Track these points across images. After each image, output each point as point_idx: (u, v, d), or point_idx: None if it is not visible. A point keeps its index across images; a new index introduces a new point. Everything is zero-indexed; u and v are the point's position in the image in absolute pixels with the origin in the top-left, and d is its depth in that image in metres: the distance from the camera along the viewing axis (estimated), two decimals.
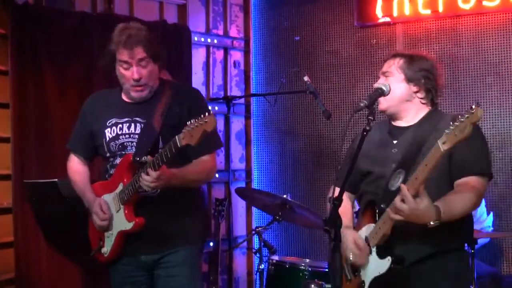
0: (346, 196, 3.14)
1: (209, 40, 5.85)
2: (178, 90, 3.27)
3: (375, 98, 2.87)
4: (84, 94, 4.77)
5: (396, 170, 2.87)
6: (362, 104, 2.81)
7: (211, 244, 5.29)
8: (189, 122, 2.82)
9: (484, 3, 5.18)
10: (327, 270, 4.15)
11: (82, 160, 3.41)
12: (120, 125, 3.21)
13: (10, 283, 4.39)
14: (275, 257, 4.51)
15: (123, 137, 3.19)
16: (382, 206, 2.82)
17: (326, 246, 2.83)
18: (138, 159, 3.06)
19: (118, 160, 3.21)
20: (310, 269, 4.27)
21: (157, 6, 5.51)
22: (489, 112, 5.20)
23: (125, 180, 3.12)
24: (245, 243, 5.78)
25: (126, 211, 3.11)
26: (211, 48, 5.88)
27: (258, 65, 6.15)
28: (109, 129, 3.22)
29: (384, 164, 2.95)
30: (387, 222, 2.74)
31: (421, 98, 2.97)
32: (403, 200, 2.59)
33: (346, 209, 3.11)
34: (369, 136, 3.00)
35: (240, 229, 6.03)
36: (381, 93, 2.91)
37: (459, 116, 2.42)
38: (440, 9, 5.34)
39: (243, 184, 6.06)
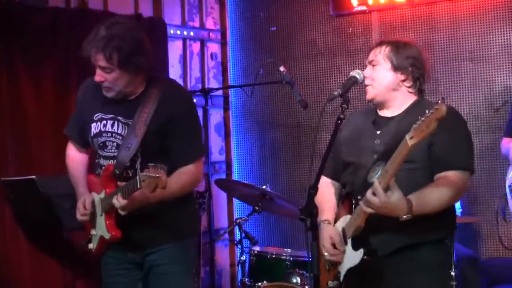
0: (331, 185, 3.13)
1: (185, 33, 5.80)
2: (165, 94, 3.15)
3: (348, 86, 2.85)
4: (60, 91, 4.76)
5: (376, 162, 2.83)
6: (335, 93, 2.81)
7: None
8: (150, 167, 2.79)
9: None
10: (307, 259, 4.17)
11: (79, 147, 3.37)
12: (105, 122, 3.17)
13: None
14: (257, 248, 4.53)
15: (106, 134, 3.16)
16: (358, 197, 2.79)
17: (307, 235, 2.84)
18: (117, 172, 3.07)
19: (102, 161, 3.19)
20: (291, 258, 4.30)
21: (131, 0, 5.47)
22: (464, 98, 5.23)
23: (107, 190, 3.11)
24: (227, 235, 5.79)
25: (107, 222, 3.11)
26: (187, 41, 5.84)
27: (235, 56, 6.13)
28: (94, 123, 3.19)
29: (365, 155, 2.90)
30: (360, 215, 2.72)
31: (408, 87, 2.90)
32: (374, 194, 2.57)
33: (327, 199, 3.07)
34: (354, 124, 3.04)
35: (222, 221, 6.02)
36: (355, 81, 2.89)
37: (426, 111, 2.41)
38: None
39: (223, 176, 6.05)
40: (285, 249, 4.56)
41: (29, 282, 4.46)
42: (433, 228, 2.80)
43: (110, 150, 3.15)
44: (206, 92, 5.30)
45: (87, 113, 3.23)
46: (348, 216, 2.87)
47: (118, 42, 2.98)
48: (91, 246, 3.26)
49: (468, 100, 5.21)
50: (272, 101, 5.96)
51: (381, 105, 2.96)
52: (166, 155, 3.09)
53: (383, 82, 2.89)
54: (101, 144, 3.17)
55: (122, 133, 3.13)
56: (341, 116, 2.78)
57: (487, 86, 5.18)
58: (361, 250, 2.77)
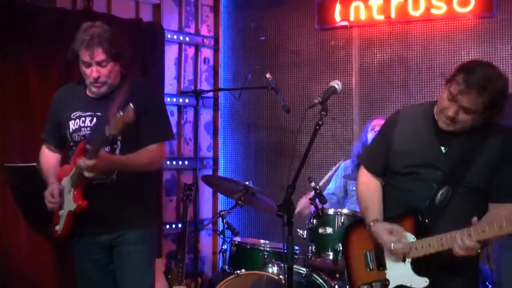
0: (378, 183, 2.99)
1: (181, 38, 5.80)
2: (135, 85, 3.24)
3: (328, 95, 2.82)
4: (63, 84, 4.71)
5: (442, 183, 2.74)
6: (316, 101, 2.78)
7: (180, 225, 5.30)
8: (115, 114, 2.82)
9: (432, 11, 5.22)
10: (283, 251, 4.16)
11: (52, 148, 3.43)
12: (83, 118, 3.21)
13: None
14: (237, 238, 4.54)
15: (85, 129, 3.20)
16: (426, 221, 2.73)
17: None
18: (88, 146, 3.08)
19: None
20: (268, 249, 4.30)
21: (133, 5, 5.46)
22: None
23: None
24: (210, 225, 5.78)
25: (74, 193, 3.13)
26: (183, 45, 5.84)
27: (226, 61, 6.12)
28: (73, 121, 3.23)
29: (428, 168, 2.77)
30: (438, 247, 2.67)
31: None
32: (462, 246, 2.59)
33: (376, 199, 2.94)
34: (411, 126, 2.85)
35: (206, 212, 6.03)
36: (334, 91, 2.86)
37: None
38: (393, 15, 5.36)
39: (210, 171, 6.06)
40: (264, 241, 4.55)
41: (26, 263, 4.46)
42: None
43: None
44: (197, 93, 5.31)
45: (63, 113, 3.26)
46: (410, 235, 2.76)
47: (110, 36, 3.08)
48: (57, 228, 3.25)
49: None
50: (258, 104, 5.96)
51: None
52: (137, 138, 3.12)
53: (470, 124, 2.71)
54: (81, 138, 3.19)
55: None
56: (320, 123, 2.77)
57: None
58: (426, 280, 2.74)
